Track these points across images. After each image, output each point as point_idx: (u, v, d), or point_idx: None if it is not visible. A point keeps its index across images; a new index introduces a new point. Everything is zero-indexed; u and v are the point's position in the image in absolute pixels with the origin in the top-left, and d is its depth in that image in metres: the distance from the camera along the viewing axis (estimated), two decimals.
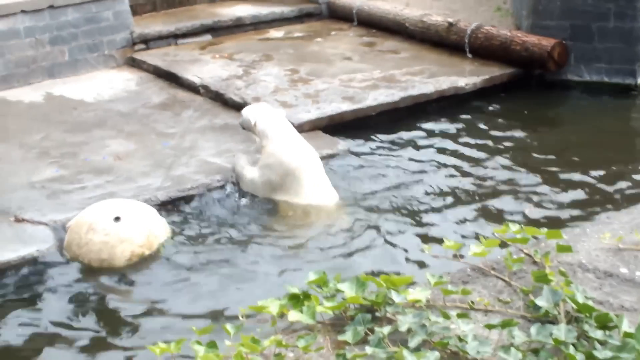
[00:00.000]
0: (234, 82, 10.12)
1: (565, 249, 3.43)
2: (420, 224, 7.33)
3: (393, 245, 6.96)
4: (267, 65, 10.82)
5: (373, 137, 9.16)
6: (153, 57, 11.24)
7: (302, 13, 13.11)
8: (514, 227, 3.53)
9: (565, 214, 7.43)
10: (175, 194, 7.63)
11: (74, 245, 6.74)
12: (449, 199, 7.74)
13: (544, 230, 3.53)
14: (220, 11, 12.75)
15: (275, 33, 12.42)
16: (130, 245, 6.72)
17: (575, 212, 7.44)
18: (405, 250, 6.84)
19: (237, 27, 12.47)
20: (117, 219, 6.77)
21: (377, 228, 7.22)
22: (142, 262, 6.75)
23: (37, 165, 8.26)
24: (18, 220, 7.10)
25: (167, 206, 7.47)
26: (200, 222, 7.37)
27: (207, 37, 12.14)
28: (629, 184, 8.00)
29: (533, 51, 10.33)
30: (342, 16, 12.91)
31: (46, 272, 6.62)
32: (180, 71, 10.62)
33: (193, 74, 10.46)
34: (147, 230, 6.81)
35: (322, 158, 8.15)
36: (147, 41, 11.62)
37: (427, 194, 7.84)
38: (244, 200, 7.65)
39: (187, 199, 7.62)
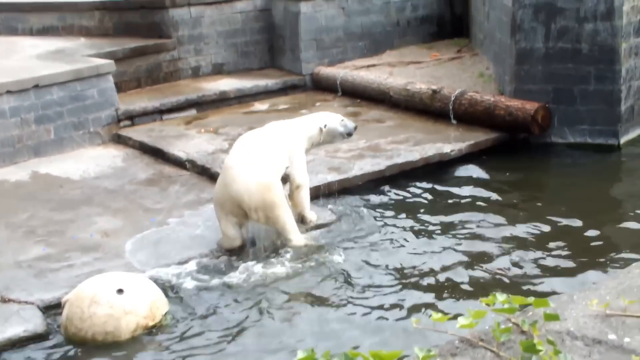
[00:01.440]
0: (220, 156, 10.12)
1: (552, 317, 3.41)
2: (407, 293, 7.29)
3: (381, 316, 6.91)
4: None
5: (361, 205, 9.16)
6: (139, 133, 11.28)
7: (286, 85, 13.22)
8: (501, 297, 3.51)
9: (552, 278, 7.40)
10: (164, 269, 7.60)
11: (76, 319, 6.65)
12: (436, 266, 7.72)
13: (531, 299, 3.51)
14: (205, 86, 12.83)
15: (260, 106, 12.50)
16: (136, 317, 6.67)
17: (562, 277, 7.42)
18: (394, 322, 6.78)
19: (222, 101, 12.56)
20: (120, 291, 6.72)
21: (365, 298, 7.20)
22: (146, 334, 6.70)
23: (23, 245, 8.22)
24: (4, 300, 7.05)
25: (158, 281, 7.43)
26: (193, 295, 7.32)
27: (192, 112, 12.21)
28: (616, 246, 8.01)
29: (517, 115, 10.41)
30: (326, 87, 13.01)
31: (34, 352, 6.55)
32: (166, 146, 10.65)
33: (179, 149, 10.48)
34: (150, 301, 6.79)
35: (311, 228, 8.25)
36: (133, 117, 11.68)
37: (414, 261, 7.83)
38: (234, 274, 7.62)
39: (178, 274, 7.59)
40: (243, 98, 12.76)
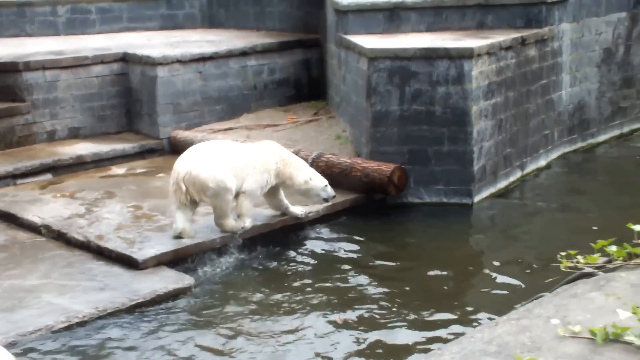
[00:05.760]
0: (77, 221, 9.95)
1: None
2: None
3: None
4: (110, 202, 10.68)
5: (219, 269, 9.13)
6: None
7: (144, 149, 13.13)
8: None
9: (400, 344, 7.48)
10: (16, 338, 7.37)
11: None
12: (282, 323, 7.80)
13: None
14: (61, 150, 12.62)
15: (117, 170, 12.34)
16: None
17: (410, 343, 7.50)
18: None
19: (78, 165, 12.37)
20: None
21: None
22: None
23: None
24: None
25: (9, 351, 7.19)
26: None
27: (48, 176, 11.96)
28: (467, 306, 8.17)
29: (374, 177, 10.58)
30: (184, 150, 12.79)
31: None
32: (19, 212, 10.37)
33: (33, 214, 10.23)
34: None
35: (168, 294, 8.18)
36: None
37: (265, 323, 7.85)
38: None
39: (30, 344, 7.37)
40: (100, 162, 12.59)
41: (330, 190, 9.75)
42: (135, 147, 13.08)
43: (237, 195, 9.36)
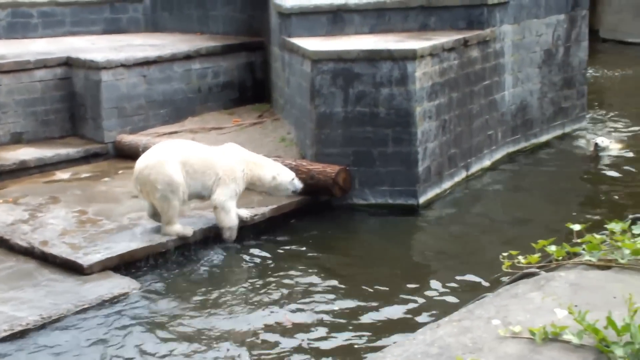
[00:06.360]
0: (20, 227, 9.85)
1: None
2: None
3: None
4: (54, 207, 10.59)
5: (165, 274, 9.11)
6: None
7: (89, 153, 13.02)
8: None
9: (344, 345, 7.51)
10: None
11: None
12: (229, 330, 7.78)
13: None
14: (3, 155, 12.47)
15: (62, 175, 12.23)
16: None
17: (353, 343, 7.53)
18: None
19: (22, 170, 12.22)
20: None
21: None
22: None
23: None
24: None
25: None
26: None
27: None
28: (405, 311, 8.17)
29: (319, 179, 10.61)
30: (129, 154, 12.81)
31: None
32: None
33: None
34: None
35: (113, 299, 8.14)
36: None
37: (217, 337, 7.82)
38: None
39: None
40: (44, 167, 12.47)
41: (297, 183, 10.01)
42: (79, 152, 12.98)
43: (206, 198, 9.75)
